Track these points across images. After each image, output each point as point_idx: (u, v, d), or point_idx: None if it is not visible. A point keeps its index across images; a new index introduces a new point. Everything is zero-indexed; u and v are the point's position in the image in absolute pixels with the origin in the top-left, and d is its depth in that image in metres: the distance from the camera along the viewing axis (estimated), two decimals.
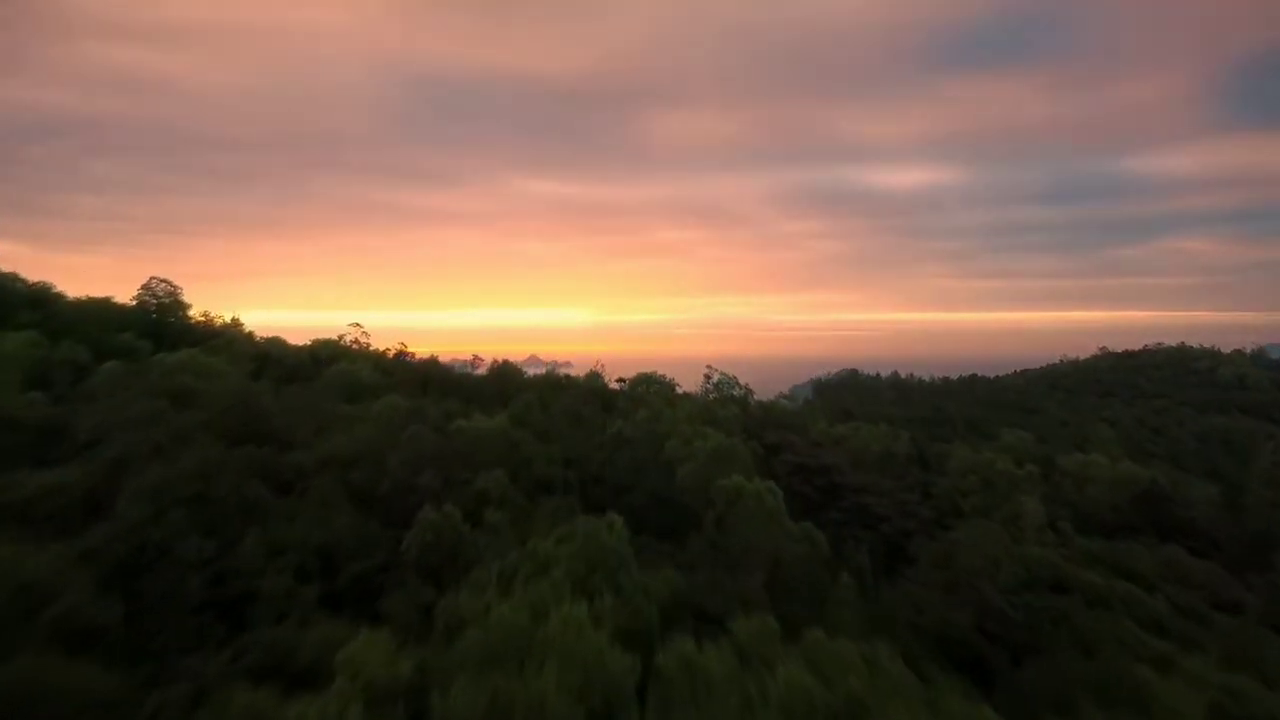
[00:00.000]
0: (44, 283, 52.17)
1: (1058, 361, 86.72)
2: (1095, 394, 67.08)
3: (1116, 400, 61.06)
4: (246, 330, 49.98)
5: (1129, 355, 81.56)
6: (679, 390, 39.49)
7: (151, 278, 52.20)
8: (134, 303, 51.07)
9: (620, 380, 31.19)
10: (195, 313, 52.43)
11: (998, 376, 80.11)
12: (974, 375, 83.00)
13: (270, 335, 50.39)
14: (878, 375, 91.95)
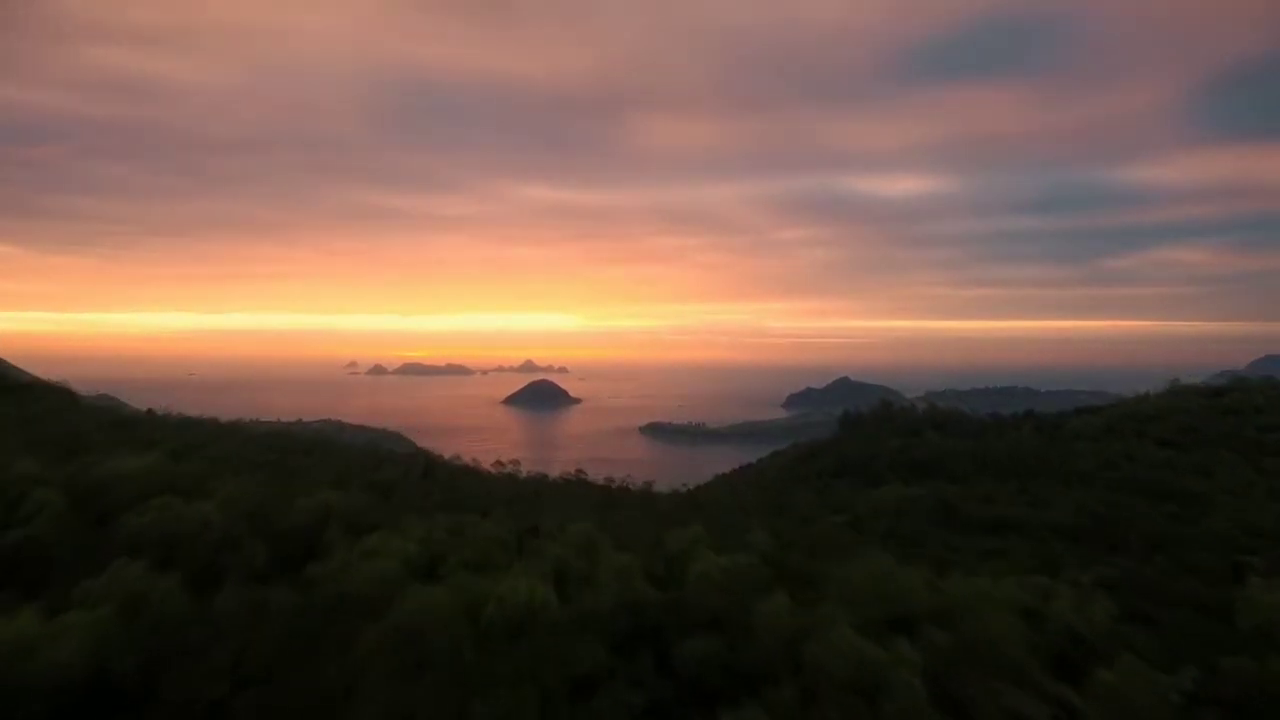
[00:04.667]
0: None
1: (1130, 397, 76.09)
2: (1202, 443, 56.88)
3: (1237, 457, 50.65)
4: None
5: (1216, 394, 71.27)
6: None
7: None
8: None
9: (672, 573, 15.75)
10: None
11: (1061, 416, 69.66)
12: (1031, 413, 72.40)
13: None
14: (912, 405, 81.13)
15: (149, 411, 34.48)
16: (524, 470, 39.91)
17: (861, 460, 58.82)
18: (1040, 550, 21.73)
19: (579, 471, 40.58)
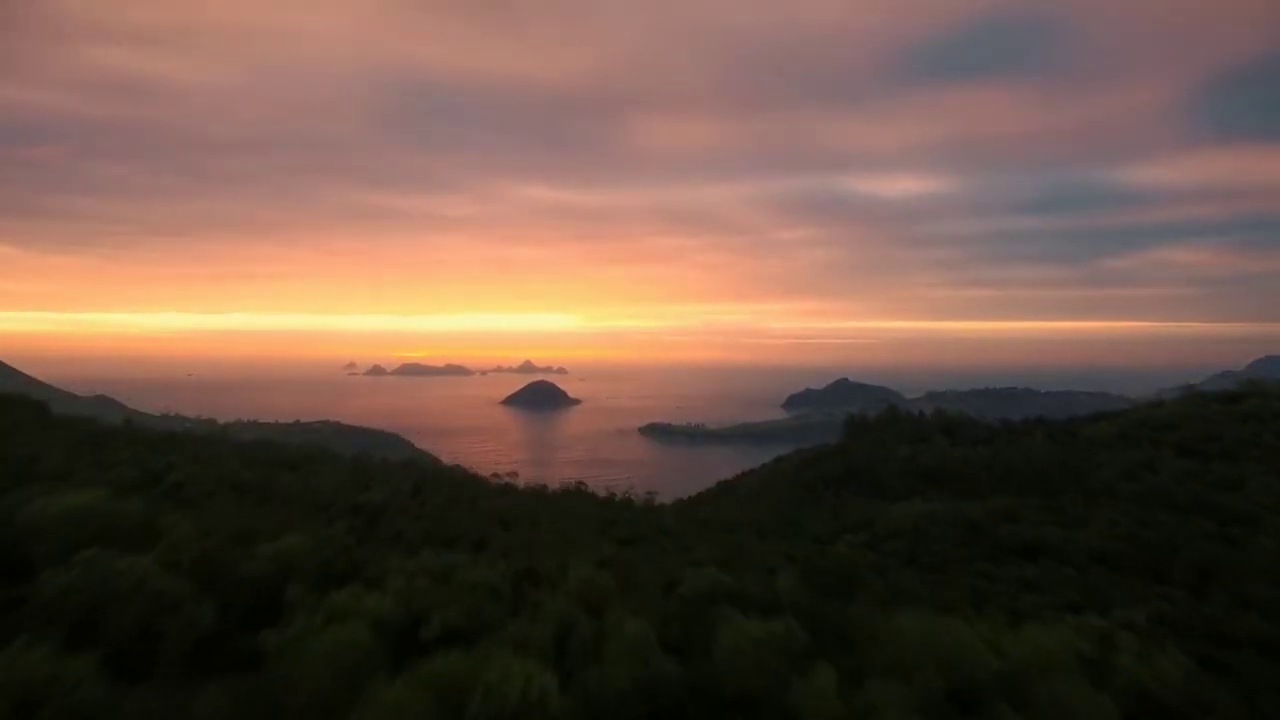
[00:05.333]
0: None
1: (1142, 402, 74.26)
2: (1223, 453, 54.99)
3: (1261, 468, 48.81)
4: None
5: (1233, 399, 69.46)
6: None
7: None
8: None
9: None
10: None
11: (1074, 422, 67.77)
12: (1041, 419, 70.49)
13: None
14: (922, 413, 78.98)
15: (126, 422, 32.82)
16: (522, 478, 38.38)
17: (869, 468, 57.26)
18: (1081, 580, 20.06)
19: (579, 483, 38.95)
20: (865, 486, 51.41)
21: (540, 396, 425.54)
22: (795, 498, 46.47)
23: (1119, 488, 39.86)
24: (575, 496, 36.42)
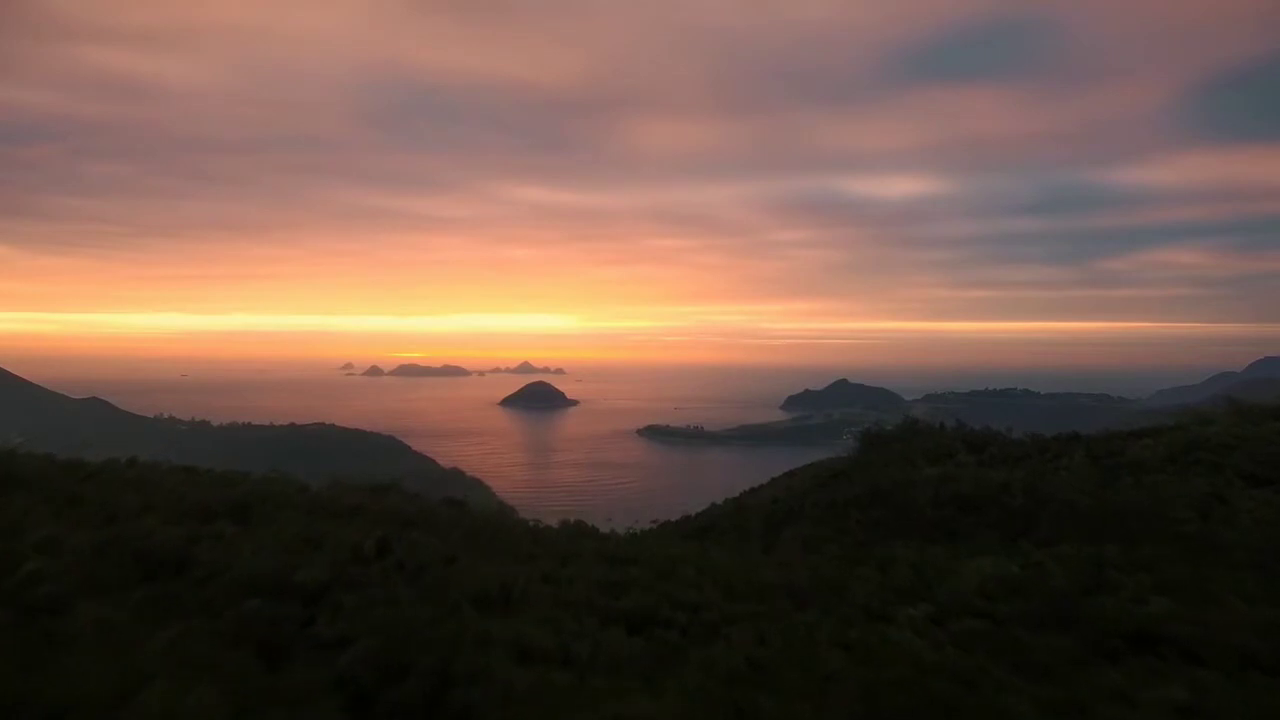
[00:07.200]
0: None
1: (1179, 412, 69.48)
2: None
3: None
4: None
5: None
6: None
7: None
8: None
9: None
10: None
11: (1112, 441, 63.28)
12: (1076, 435, 65.83)
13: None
14: (943, 425, 74.33)
15: (46, 457, 27.77)
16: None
17: (894, 492, 52.56)
18: (1243, 699, 15.30)
19: (578, 522, 34.27)
20: (892, 514, 46.63)
21: (538, 397, 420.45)
22: (823, 538, 41.63)
23: (1210, 534, 34.92)
24: (573, 536, 31.85)
